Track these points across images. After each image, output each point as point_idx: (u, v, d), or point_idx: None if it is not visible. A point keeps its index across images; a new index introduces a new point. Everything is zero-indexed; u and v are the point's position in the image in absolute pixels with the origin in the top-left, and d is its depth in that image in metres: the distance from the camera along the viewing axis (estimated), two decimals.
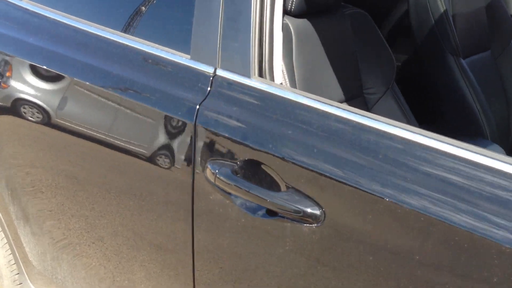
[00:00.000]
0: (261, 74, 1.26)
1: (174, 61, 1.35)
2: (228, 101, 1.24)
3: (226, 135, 1.20)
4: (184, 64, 1.33)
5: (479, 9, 2.21)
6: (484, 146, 1.63)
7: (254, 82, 1.24)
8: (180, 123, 1.28)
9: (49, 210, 1.63)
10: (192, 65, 1.32)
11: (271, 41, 1.27)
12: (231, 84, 1.26)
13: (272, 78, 1.27)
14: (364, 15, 1.81)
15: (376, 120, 1.08)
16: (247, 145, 1.17)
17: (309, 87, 1.61)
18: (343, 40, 1.75)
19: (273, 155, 1.13)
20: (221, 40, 1.28)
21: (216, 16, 1.29)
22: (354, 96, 1.80)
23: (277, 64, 1.29)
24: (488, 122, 2.02)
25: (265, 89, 1.21)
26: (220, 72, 1.28)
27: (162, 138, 1.32)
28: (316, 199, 1.09)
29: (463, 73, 2.02)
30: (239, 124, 1.20)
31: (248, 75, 1.24)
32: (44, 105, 1.53)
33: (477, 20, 2.21)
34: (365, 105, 1.83)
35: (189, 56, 1.34)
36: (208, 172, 1.23)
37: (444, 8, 1.99)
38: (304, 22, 1.62)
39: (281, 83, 1.30)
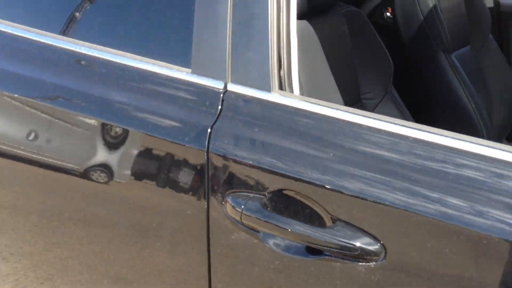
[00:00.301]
0: (281, 87, 1.08)
1: (171, 76, 1.14)
2: (246, 121, 1.05)
3: (249, 162, 1.01)
4: (184, 80, 1.13)
5: (460, 2, 2.11)
6: None
7: (277, 97, 1.05)
8: (187, 151, 1.08)
9: None
10: (195, 81, 1.12)
11: (288, 47, 1.09)
12: (248, 101, 1.07)
13: (291, 90, 1.09)
14: (358, 13, 1.67)
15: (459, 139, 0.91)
16: (277, 173, 0.99)
17: (313, 94, 1.44)
18: (341, 41, 1.59)
19: (312, 183, 0.95)
20: (231, 50, 1.09)
21: (223, 21, 1.09)
22: (352, 102, 1.65)
23: (295, 73, 1.11)
24: (483, 122, 1.92)
25: (293, 105, 1.03)
26: (232, 87, 1.09)
27: (163, 169, 1.11)
28: (372, 231, 0.92)
29: (455, 71, 1.91)
30: (264, 148, 1.01)
31: (268, 89, 1.06)
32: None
33: (459, 14, 2.10)
34: None
35: (189, 70, 1.14)
36: (229, 207, 1.03)
37: (434, 2, 1.87)
38: (304, 24, 1.45)
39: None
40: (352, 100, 1.64)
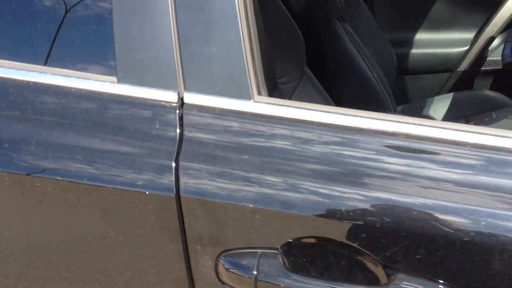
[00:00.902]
0: (259, 91, 0.77)
1: (86, 90, 0.78)
2: (227, 145, 0.73)
3: (248, 204, 0.70)
4: (109, 94, 0.77)
5: None
6: None
7: (262, 106, 0.75)
8: (144, 200, 0.73)
9: None
10: (128, 94, 0.77)
11: (255, 35, 0.79)
12: (221, 116, 0.74)
13: (266, 94, 0.80)
14: None
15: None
16: (292, 215, 0.69)
17: None
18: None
19: (349, 222, 0.68)
20: (179, 45, 0.75)
21: (162, 4, 0.75)
22: (270, 90, 1.38)
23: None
24: (386, 91, 1.78)
25: (291, 116, 0.73)
26: (191, 99, 0.76)
27: (111, 231, 0.75)
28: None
29: (354, 41, 1.74)
30: (266, 182, 0.71)
31: (246, 96, 0.75)
32: None
33: None
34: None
35: (115, 79, 0.78)
36: (224, 272, 0.72)
37: None
38: None
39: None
40: (270, 88, 1.37)
